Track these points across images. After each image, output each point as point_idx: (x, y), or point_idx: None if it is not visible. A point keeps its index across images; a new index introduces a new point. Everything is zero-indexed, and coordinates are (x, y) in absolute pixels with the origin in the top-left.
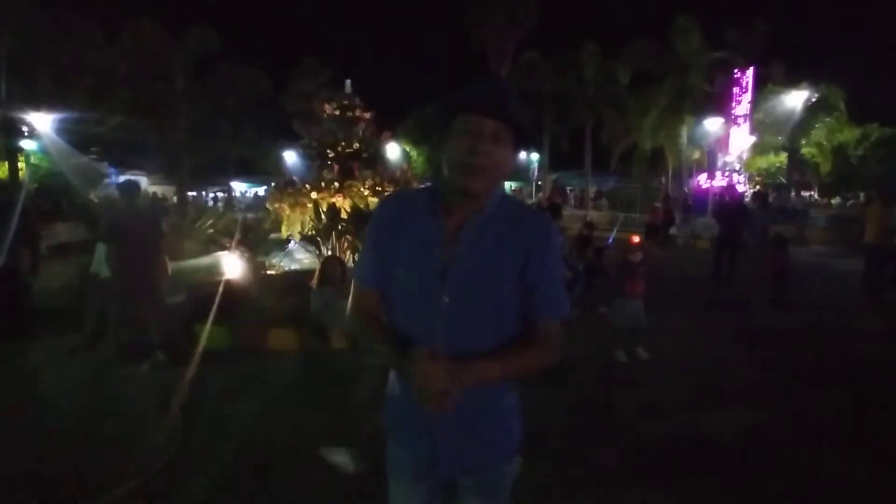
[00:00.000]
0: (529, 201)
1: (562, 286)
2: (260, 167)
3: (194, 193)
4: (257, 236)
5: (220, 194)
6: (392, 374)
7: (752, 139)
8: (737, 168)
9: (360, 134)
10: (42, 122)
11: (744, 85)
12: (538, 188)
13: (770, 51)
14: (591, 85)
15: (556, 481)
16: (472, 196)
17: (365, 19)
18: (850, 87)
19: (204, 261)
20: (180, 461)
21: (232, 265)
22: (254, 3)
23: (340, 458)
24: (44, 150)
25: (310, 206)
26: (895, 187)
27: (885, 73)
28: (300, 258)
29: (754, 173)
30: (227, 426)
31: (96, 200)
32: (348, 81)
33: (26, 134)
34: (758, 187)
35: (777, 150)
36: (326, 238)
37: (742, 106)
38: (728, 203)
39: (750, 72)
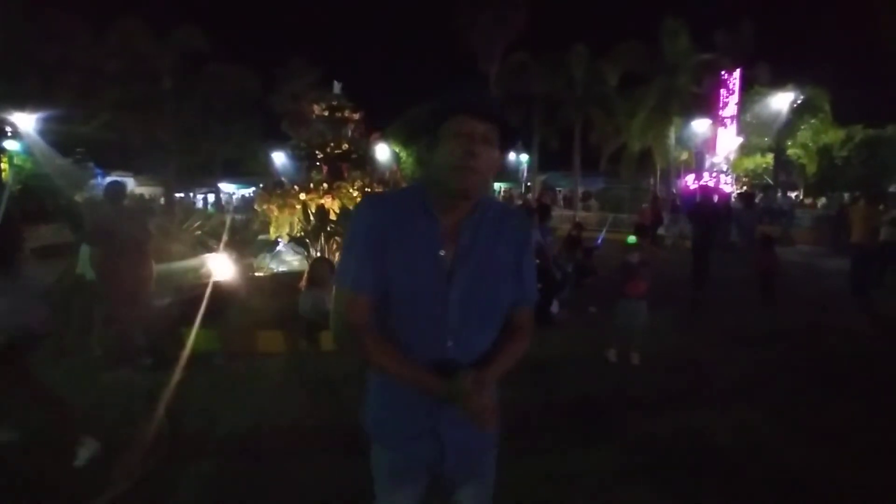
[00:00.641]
0: (517, 202)
1: (534, 274)
2: (248, 168)
3: (182, 195)
4: (245, 238)
5: (208, 196)
6: (375, 379)
7: (739, 140)
8: (724, 169)
9: (350, 135)
10: (26, 123)
11: (731, 87)
12: (527, 189)
13: (756, 53)
14: (580, 86)
15: (546, 481)
16: (467, 197)
17: (354, 20)
18: (835, 89)
19: (191, 263)
20: (167, 466)
21: (220, 267)
22: (242, 3)
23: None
24: (27, 151)
25: (298, 207)
26: (880, 188)
27: (868, 76)
28: (289, 260)
29: (741, 174)
30: (214, 429)
31: (81, 202)
32: (337, 82)
33: (9, 134)
34: (745, 188)
35: (763, 152)
36: (315, 240)
37: (729, 107)
38: (701, 203)
39: (737, 73)
